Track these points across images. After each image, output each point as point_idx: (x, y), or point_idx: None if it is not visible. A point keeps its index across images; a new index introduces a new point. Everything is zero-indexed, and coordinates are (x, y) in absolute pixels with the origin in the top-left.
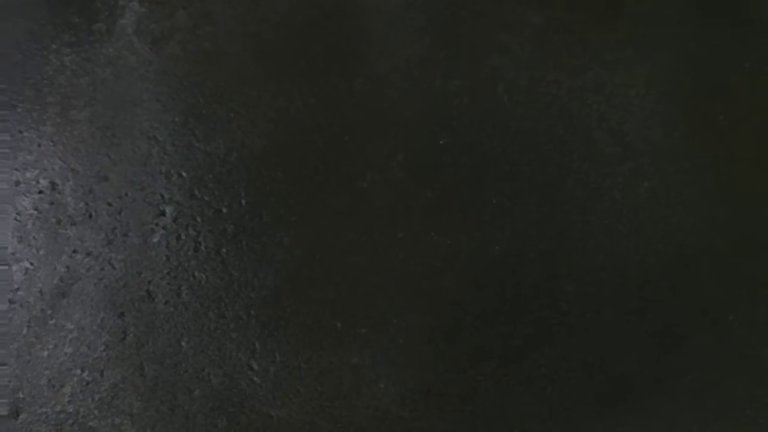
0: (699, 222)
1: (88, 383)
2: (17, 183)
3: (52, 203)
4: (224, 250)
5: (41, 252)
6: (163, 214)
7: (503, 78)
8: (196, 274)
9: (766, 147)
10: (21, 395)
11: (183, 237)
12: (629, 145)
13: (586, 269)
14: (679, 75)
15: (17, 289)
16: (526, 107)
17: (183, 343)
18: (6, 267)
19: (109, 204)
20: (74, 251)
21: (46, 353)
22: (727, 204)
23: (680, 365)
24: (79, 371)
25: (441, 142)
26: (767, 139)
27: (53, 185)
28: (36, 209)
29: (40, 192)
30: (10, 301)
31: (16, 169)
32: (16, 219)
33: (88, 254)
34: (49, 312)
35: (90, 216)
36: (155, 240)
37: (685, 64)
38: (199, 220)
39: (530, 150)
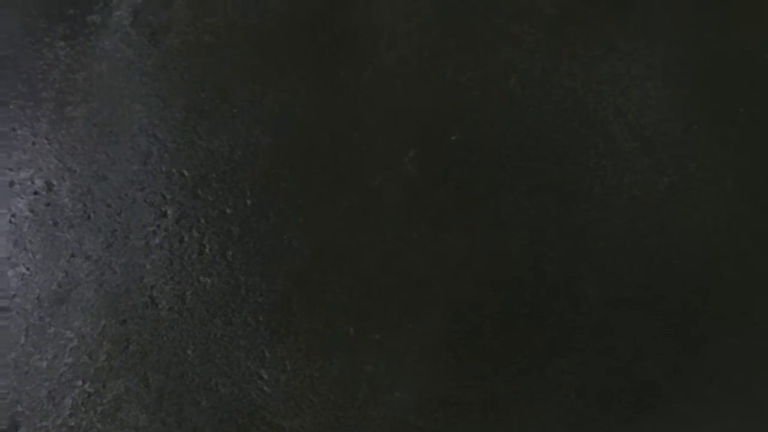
0: (722, 219)
1: (89, 395)
2: (11, 183)
3: (48, 204)
4: (230, 252)
5: (38, 256)
6: (164, 215)
7: (516, 70)
8: (201, 278)
9: None
10: (20, 408)
11: (186, 239)
12: (648, 140)
13: (608, 270)
14: (697, 66)
15: (14, 296)
16: (541, 101)
17: (189, 352)
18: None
19: (108, 205)
20: (72, 255)
21: (45, 363)
22: (751, 200)
23: (706, 369)
24: (80, 382)
25: (453, 138)
26: None
27: (49, 185)
28: (32, 211)
29: (36, 193)
30: (7, 309)
31: (10, 169)
32: (10, 221)
33: (87, 258)
34: (48, 320)
35: (88, 217)
36: (157, 242)
37: (703, 55)
38: (202, 221)
39: (546, 145)
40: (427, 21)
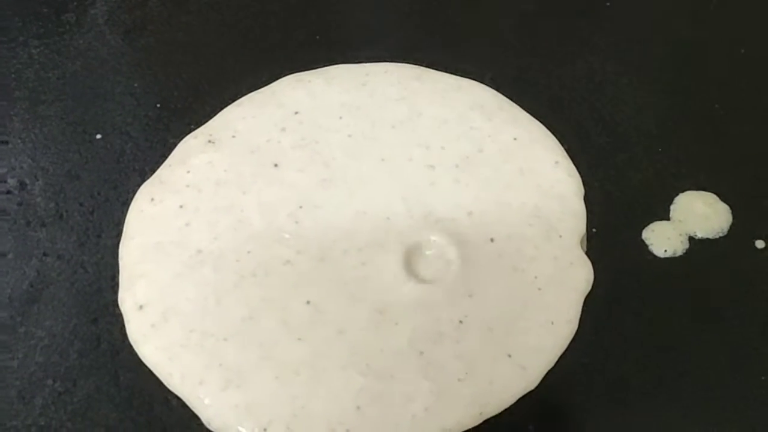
0: None
1: (60, 394)
2: None
3: (20, 204)
4: None
5: (10, 256)
6: None
7: (492, 66)
8: None
9: (764, 135)
10: None
11: None
12: (621, 136)
13: None
14: (671, 62)
15: None
16: (516, 97)
17: None
18: None
19: (81, 204)
20: (45, 254)
21: (15, 363)
22: (723, 196)
23: (679, 366)
24: (50, 381)
25: None
26: (764, 127)
27: (22, 185)
28: (4, 210)
29: (8, 192)
30: None
31: None
32: None
33: (60, 257)
34: (19, 319)
35: (61, 217)
36: None
37: (678, 52)
38: None
39: None
40: (401, 18)
